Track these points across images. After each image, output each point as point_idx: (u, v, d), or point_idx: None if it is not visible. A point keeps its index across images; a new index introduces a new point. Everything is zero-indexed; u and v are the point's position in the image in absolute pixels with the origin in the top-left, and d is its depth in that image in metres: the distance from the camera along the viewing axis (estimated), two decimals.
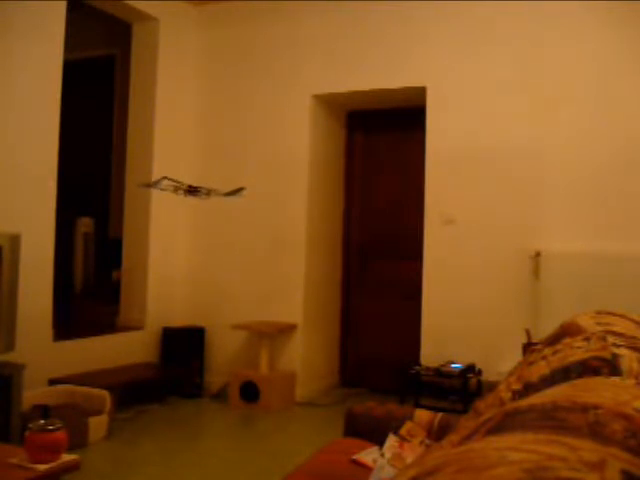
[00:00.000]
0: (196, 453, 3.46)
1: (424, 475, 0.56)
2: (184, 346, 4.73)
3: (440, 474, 0.54)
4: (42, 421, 2.06)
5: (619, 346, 1.09)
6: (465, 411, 3.54)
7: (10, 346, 3.06)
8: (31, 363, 3.27)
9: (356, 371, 5.13)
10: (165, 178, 3.38)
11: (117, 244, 4.95)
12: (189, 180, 5.05)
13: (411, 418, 2.10)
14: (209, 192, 3.48)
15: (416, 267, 4.50)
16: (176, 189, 3.48)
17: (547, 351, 1.22)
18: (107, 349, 4.37)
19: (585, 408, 0.66)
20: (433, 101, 4.36)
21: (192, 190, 3.47)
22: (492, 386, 1.46)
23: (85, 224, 5.29)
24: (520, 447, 0.56)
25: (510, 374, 1.29)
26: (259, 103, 4.86)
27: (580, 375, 1.03)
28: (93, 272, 5.34)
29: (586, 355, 1.09)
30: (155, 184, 3.43)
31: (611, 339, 1.12)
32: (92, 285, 5.30)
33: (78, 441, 3.25)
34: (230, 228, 4.92)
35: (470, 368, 4.02)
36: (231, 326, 4.57)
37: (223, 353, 4.85)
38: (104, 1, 4.52)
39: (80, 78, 5.45)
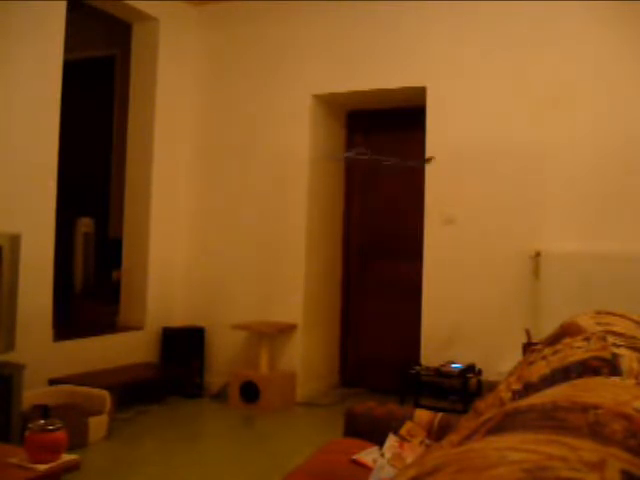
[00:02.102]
0: (196, 453, 3.46)
1: (424, 475, 0.56)
2: (184, 346, 4.73)
3: (440, 474, 0.54)
4: (42, 421, 2.06)
5: (619, 346, 1.09)
6: (465, 411, 3.54)
7: (10, 346, 3.06)
8: (31, 363, 3.27)
9: (356, 371, 5.13)
10: (356, 149, 3.45)
11: (117, 244, 4.96)
12: (188, 179, 5.06)
13: (411, 418, 2.10)
14: (429, 160, 3.54)
15: (416, 267, 4.50)
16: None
17: (547, 351, 1.22)
18: (107, 349, 4.37)
19: (585, 408, 0.66)
20: (433, 101, 4.36)
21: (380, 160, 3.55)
22: (492, 386, 1.46)
23: (85, 224, 5.29)
24: (520, 447, 0.56)
25: (510, 374, 1.29)
26: (259, 103, 4.86)
27: (580, 375, 1.03)
28: (93, 272, 5.35)
29: (586, 355, 1.09)
30: (348, 154, 3.51)
31: (611, 339, 1.12)
32: (92, 285, 5.30)
33: (78, 441, 3.25)
34: (230, 228, 4.92)
35: (470, 368, 4.02)
36: (231, 326, 4.57)
37: (223, 353, 4.85)
38: (104, 1, 4.52)
39: (80, 78, 5.45)
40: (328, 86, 4.69)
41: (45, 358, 3.81)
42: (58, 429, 2.05)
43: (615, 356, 1.05)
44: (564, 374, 1.06)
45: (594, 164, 3.90)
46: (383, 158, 3.55)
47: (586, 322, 1.30)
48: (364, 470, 1.86)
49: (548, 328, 1.56)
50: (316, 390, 4.78)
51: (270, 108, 4.83)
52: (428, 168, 4.35)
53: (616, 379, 0.96)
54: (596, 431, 0.60)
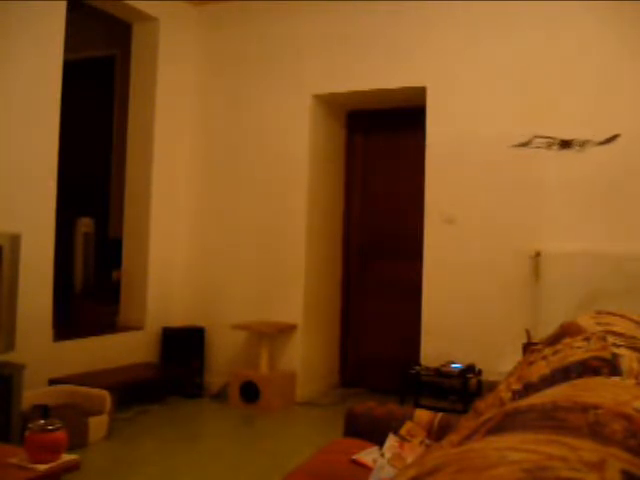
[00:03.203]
0: (196, 453, 3.46)
1: (424, 475, 0.56)
2: (184, 346, 4.73)
3: (440, 474, 0.54)
4: (42, 421, 2.06)
5: (619, 346, 1.09)
6: (465, 411, 3.54)
7: (10, 346, 3.06)
8: (31, 363, 3.27)
9: (356, 371, 5.13)
10: (537, 137, 3.40)
11: (117, 244, 4.96)
12: (188, 179, 5.06)
13: (411, 418, 2.10)
14: (583, 144, 3.47)
15: (416, 267, 4.50)
16: (549, 145, 3.49)
17: (547, 351, 1.22)
18: (107, 349, 4.37)
19: (585, 408, 0.66)
20: (433, 101, 4.36)
21: (565, 144, 3.46)
22: (492, 386, 1.47)
23: (85, 224, 5.29)
24: (520, 447, 0.56)
25: (510, 374, 1.29)
26: (259, 103, 4.86)
27: (580, 375, 1.03)
28: (93, 272, 5.34)
29: (586, 355, 1.09)
30: (527, 144, 3.45)
31: (611, 339, 1.12)
32: (92, 285, 5.30)
33: (78, 441, 3.25)
34: (230, 228, 4.92)
35: (470, 368, 4.02)
36: (231, 326, 4.57)
37: (223, 353, 4.85)
38: (104, 1, 4.52)
39: (80, 78, 5.45)
40: (328, 86, 4.70)
41: (45, 358, 3.81)
42: (58, 429, 2.05)
43: (615, 356, 1.05)
44: (564, 374, 1.06)
45: (594, 164, 3.90)
46: (573, 141, 3.45)
47: (586, 322, 1.30)
48: (364, 470, 1.86)
49: (548, 328, 1.56)
50: (316, 390, 4.78)
51: (270, 108, 4.83)
52: (428, 168, 4.35)
53: (616, 379, 0.96)
54: (596, 431, 0.60)
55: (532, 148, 3.68)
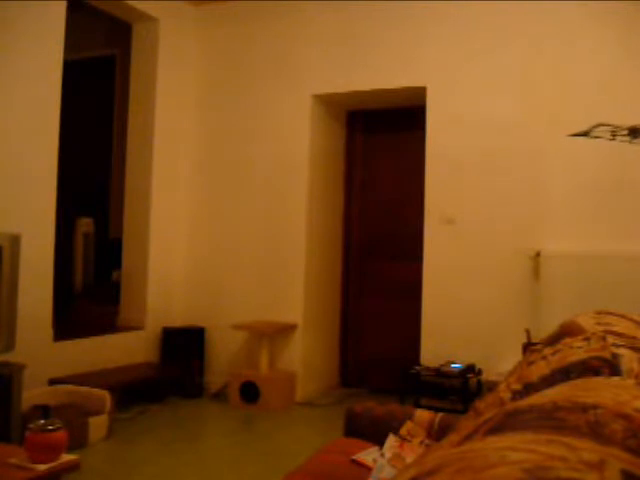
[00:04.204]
0: (196, 453, 3.46)
1: (424, 475, 0.56)
2: (184, 346, 4.73)
3: (440, 474, 0.54)
4: (42, 421, 2.06)
5: (619, 346, 1.09)
6: (465, 411, 3.54)
7: (10, 346, 3.05)
8: (31, 363, 3.28)
9: (356, 371, 5.13)
10: (600, 125, 3.12)
11: (117, 244, 4.96)
12: (188, 179, 5.06)
13: (411, 418, 2.10)
14: None
15: (416, 267, 4.50)
16: (614, 134, 3.20)
17: (547, 351, 1.22)
18: (107, 349, 4.37)
19: (585, 408, 0.66)
20: (433, 101, 4.36)
21: (634, 132, 3.11)
22: (492, 386, 1.47)
23: (85, 224, 5.29)
24: (520, 447, 0.56)
25: (510, 374, 1.29)
26: (259, 103, 4.86)
27: (580, 375, 1.03)
28: (93, 272, 5.35)
29: (586, 355, 1.09)
30: (589, 132, 3.17)
31: (611, 339, 1.12)
32: (92, 285, 5.30)
33: (78, 441, 3.26)
34: (230, 228, 4.92)
35: (470, 368, 4.02)
36: (231, 326, 4.57)
37: (223, 353, 4.85)
38: (104, 1, 4.52)
39: (80, 78, 5.45)
40: (328, 86, 4.70)
41: (45, 358, 3.81)
42: (58, 429, 2.05)
43: (615, 356, 1.05)
44: (564, 374, 1.06)
45: (594, 164, 3.90)
46: None
47: (586, 322, 1.30)
48: (364, 470, 1.86)
49: (548, 328, 1.56)
50: (316, 390, 4.78)
51: (270, 108, 4.83)
52: (428, 168, 4.35)
53: (616, 379, 0.96)
54: (596, 431, 0.60)
55: (594, 137, 3.31)
